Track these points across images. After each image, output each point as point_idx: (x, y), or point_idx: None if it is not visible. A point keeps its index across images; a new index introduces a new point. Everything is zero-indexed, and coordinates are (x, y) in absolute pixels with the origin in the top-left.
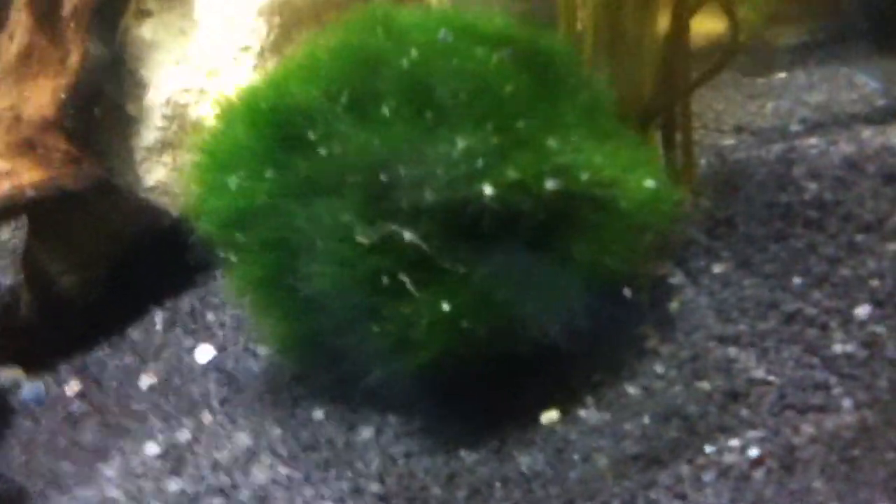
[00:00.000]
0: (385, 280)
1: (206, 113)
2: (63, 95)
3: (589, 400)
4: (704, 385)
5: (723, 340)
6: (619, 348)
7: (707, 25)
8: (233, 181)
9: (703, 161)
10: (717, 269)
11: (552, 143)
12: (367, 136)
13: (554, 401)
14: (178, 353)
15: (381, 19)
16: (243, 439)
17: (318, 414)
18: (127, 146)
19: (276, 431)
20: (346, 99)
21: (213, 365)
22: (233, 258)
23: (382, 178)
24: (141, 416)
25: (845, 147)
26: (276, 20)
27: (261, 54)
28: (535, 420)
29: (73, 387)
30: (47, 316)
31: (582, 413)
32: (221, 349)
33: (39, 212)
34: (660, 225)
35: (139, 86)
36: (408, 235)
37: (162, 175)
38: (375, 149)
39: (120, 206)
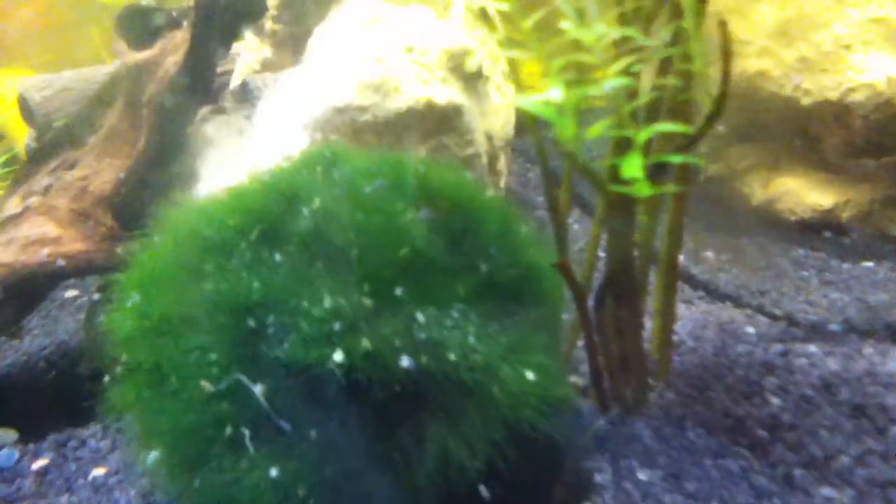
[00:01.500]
0: (227, 429)
1: None
2: (122, 175)
3: None
4: None
5: None
6: None
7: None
8: (133, 300)
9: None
10: (644, 476)
11: (421, 316)
12: (248, 277)
13: None
14: None
15: (328, 158)
16: None
17: None
18: None
19: None
20: (256, 236)
21: None
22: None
23: (250, 323)
24: None
25: (832, 364)
26: (318, 136)
27: None
28: None
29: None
30: None
31: None
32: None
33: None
34: (535, 423)
35: (192, 178)
36: (257, 389)
37: None
38: (252, 292)
39: None
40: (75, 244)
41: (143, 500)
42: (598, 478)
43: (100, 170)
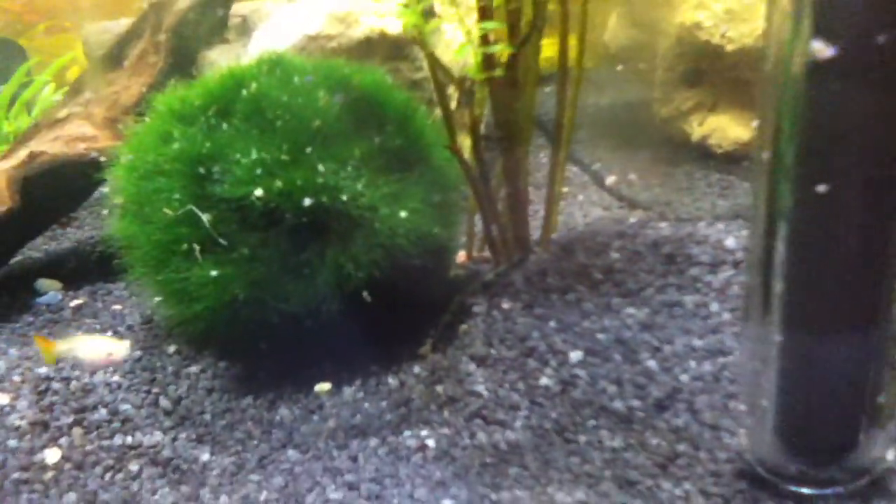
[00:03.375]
0: (184, 246)
1: None
2: (144, 90)
3: (356, 381)
4: (438, 388)
5: (472, 358)
6: (401, 348)
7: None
8: (127, 158)
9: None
10: (507, 305)
11: (322, 167)
12: (202, 139)
13: (331, 376)
14: None
15: (273, 61)
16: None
17: (171, 348)
18: None
19: (136, 353)
20: (213, 111)
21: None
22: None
23: (201, 170)
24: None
25: (667, 231)
26: (304, 56)
27: None
28: (310, 387)
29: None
30: None
31: (346, 389)
32: None
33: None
34: (406, 250)
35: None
36: (202, 217)
37: None
38: (204, 149)
39: None
40: (107, 141)
41: (141, 317)
42: (475, 308)
43: (129, 86)
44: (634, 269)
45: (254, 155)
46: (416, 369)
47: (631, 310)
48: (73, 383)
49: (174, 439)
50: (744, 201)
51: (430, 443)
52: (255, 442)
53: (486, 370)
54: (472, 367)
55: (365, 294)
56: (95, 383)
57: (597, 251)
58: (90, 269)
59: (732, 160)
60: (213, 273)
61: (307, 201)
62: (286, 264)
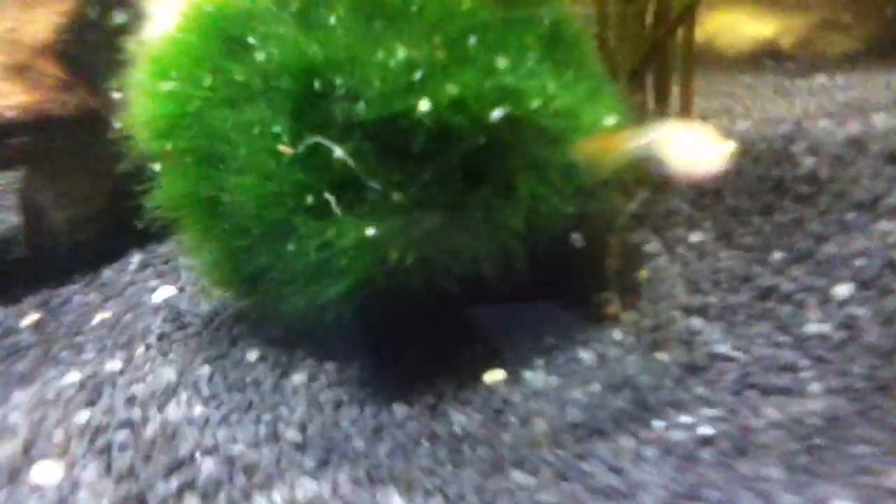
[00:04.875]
0: (309, 198)
1: None
2: (62, 20)
3: (537, 362)
4: (663, 356)
5: (689, 311)
6: (575, 309)
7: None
8: (168, 85)
9: None
10: (695, 238)
11: (502, 62)
12: (305, 41)
13: (500, 360)
14: (139, 292)
15: None
16: (168, 375)
17: (252, 355)
18: (122, 79)
19: (204, 369)
20: (297, 5)
21: (166, 303)
22: (162, 169)
23: (316, 85)
24: (79, 349)
25: (853, 127)
26: None
27: None
28: (478, 378)
29: (30, 318)
30: (38, 251)
31: (528, 374)
32: (180, 290)
33: (32, 143)
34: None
35: (141, 19)
36: (337, 150)
37: None
38: (312, 54)
39: (111, 140)
40: (20, 97)
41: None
42: (646, 248)
43: (30, 19)
44: (852, 174)
45: (400, 54)
46: (616, 335)
47: (887, 224)
48: (140, 426)
49: (335, 486)
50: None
51: (707, 430)
52: (451, 467)
53: (719, 323)
54: (695, 321)
55: (575, 237)
56: (170, 420)
57: (775, 159)
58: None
59: (749, 60)
60: (369, 232)
61: (496, 113)
62: (465, 208)
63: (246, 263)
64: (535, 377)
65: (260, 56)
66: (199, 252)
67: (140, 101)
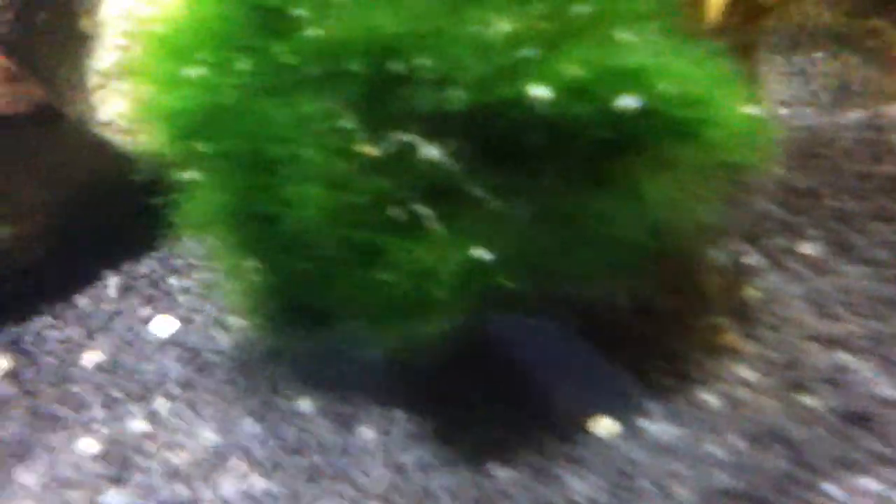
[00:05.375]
0: (395, 210)
1: None
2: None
3: (654, 407)
4: (809, 400)
5: (827, 343)
6: (688, 339)
7: None
8: (194, 72)
9: None
10: (806, 249)
11: (623, 35)
12: (372, 13)
13: (607, 405)
14: (131, 324)
15: None
16: (209, 436)
17: (304, 405)
18: (78, 69)
19: (249, 425)
20: None
21: (174, 339)
22: (194, 177)
23: (393, 68)
24: (80, 403)
25: None
26: None
27: None
28: (584, 429)
29: (1, 364)
30: None
31: (646, 424)
32: (185, 320)
33: None
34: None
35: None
36: (427, 150)
37: (120, 106)
38: (385, 29)
39: (66, 141)
40: None
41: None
42: (744, 260)
43: None
44: None
45: (501, 26)
46: (741, 371)
47: None
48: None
49: None
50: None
51: None
52: None
53: (870, 358)
54: (840, 356)
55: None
56: (227, 499)
57: (873, 153)
58: None
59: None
60: (477, 253)
61: (628, 101)
62: (583, 219)
63: (306, 292)
64: (656, 427)
65: (314, 32)
66: (234, 276)
67: (152, 91)
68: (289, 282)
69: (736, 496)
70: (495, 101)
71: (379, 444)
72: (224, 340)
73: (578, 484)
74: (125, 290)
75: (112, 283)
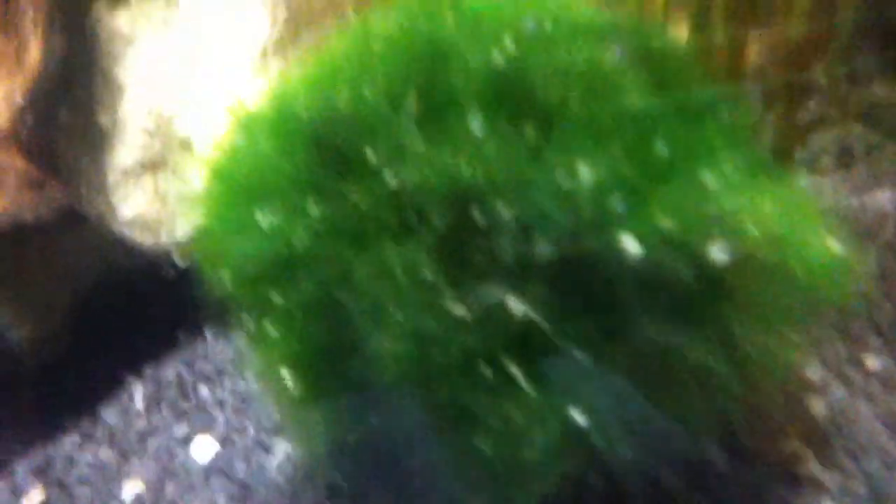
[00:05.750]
0: (484, 369)
1: (198, 128)
2: (20, 101)
3: None
4: None
5: None
6: (767, 471)
7: None
8: (265, 218)
9: None
10: (873, 363)
11: (708, 177)
12: (450, 159)
13: None
14: (168, 445)
15: (447, 1)
16: None
17: None
18: (97, 167)
19: None
20: (414, 106)
21: (216, 465)
22: (266, 328)
23: (475, 217)
24: None
25: None
26: (283, 13)
27: (263, 55)
28: None
29: (33, 497)
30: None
31: None
32: (225, 441)
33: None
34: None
35: (114, 91)
36: (516, 304)
37: (142, 204)
38: (464, 177)
39: (86, 241)
40: None
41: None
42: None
43: None
44: None
45: (585, 173)
46: None
47: None
48: None
49: None
50: None
51: None
52: None
53: None
54: None
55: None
56: None
57: None
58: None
59: None
60: (576, 416)
61: (721, 250)
62: (677, 372)
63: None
64: None
65: (389, 178)
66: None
67: (215, 233)
68: (365, 436)
69: None
70: (584, 253)
71: None
72: (273, 470)
73: None
74: (153, 401)
75: (138, 392)
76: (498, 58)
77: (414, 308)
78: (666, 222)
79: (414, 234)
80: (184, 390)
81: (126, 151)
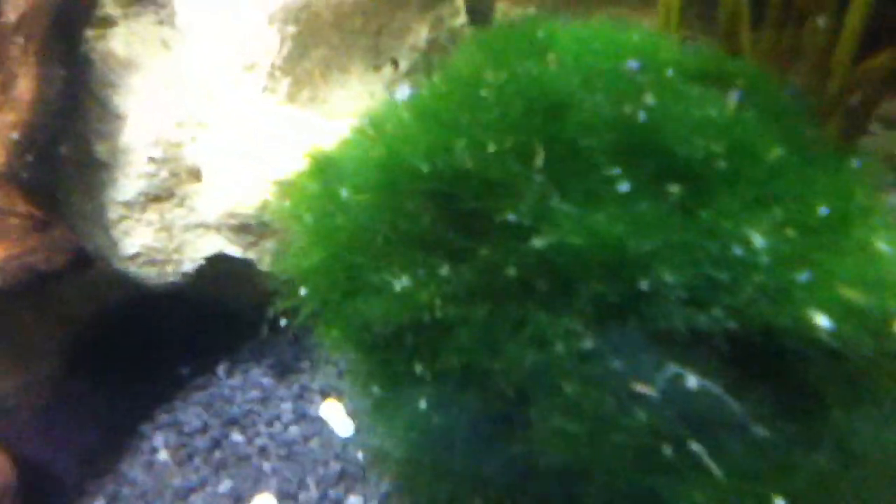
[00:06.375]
0: (667, 449)
1: (208, 155)
2: (16, 136)
3: None
4: None
5: None
6: None
7: None
8: (395, 279)
9: None
10: None
11: (880, 243)
12: (607, 220)
13: None
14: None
15: (542, 42)
16: None
17: None
18: (96, 200)
19: None
20: (542, 161)
21: None
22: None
23: (640, 286)
24: None
25: None
26: (291, 30)
27: (271, 74)
28: None
29: None
30: None
31: None
32: (286, 497)
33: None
34: None
35: (111, 119)
36: (693, 379)
37: (148, 238)
38: (626, 242)
39: (87, 281)
40: None
41: None
42: None
43: None
44: None
45: (758, 242)
46: None
47: None
48: None
49: None
50: None
51: None
52: None
53: None
54: None
55: None
56: None
57: None
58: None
59: None
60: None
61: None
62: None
63: None
64: None
65: (539, 242)
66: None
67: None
68: None
69: None
70: (764, 326)
71: None
72: None
73: None
74: (180, 452)
75: (159, 442)
76: (630, 109)
77: (583, 382)
78: (851, 293)
79: (570, 301)
80: (213, 438)
81: (128, 183)
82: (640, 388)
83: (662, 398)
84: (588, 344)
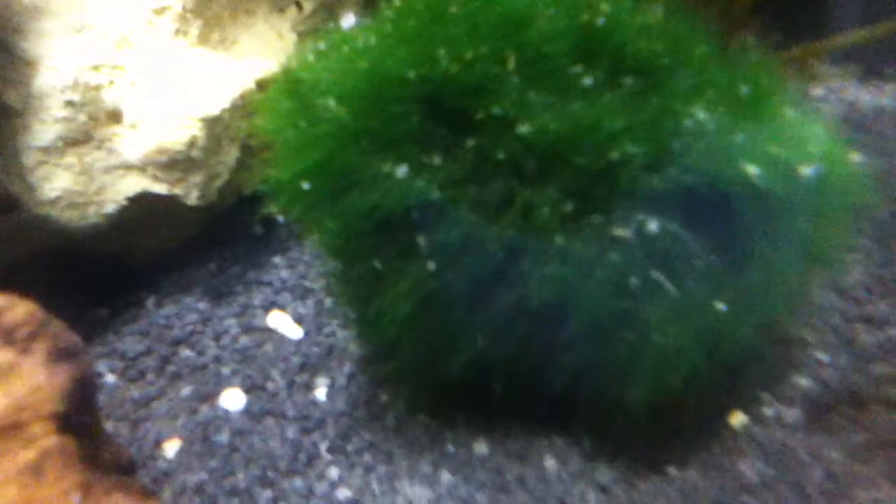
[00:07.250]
0: (632, 280)
1: (126, 97)
2: None
3: None
4: None
5: None
6: None
7: None
8: (399, 169)
9: None
10: None
11: (786, 112)
12: (581, 108)
13: None
14: (180, 405)
15: None
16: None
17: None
18: (10, 148)
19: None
20: (514, 64)
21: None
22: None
23: (613, 157)
24: None
25: None
26: None
27: (183, 17)
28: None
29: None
30: None
31: None
32: (254, 390)
33: None
34: None
35: (21, 65)
36: (655, 225)
37: (67, 181)
38: (604, 123)
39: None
40: None
41: None
42: None
43: None
44: None
45: (702, 115)
46: None
47: None
48: None
49: None
50: None
51: None
52: None
53: None
54: None
55: None
56: None
57: None
58: None
59: None
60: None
61: (809, 170)
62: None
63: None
64: None
65: (525, 129)
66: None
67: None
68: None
69: None
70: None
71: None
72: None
73: None
74: (129, 372)
75: (103, 368)
76: (587, 17)
77: (568, 236)
78: (773, 149)
79: (552, 176)
80: (161, 356)
81: (44, 129)
82: (618, 231)
83: (631, 241)
84: (569, 207)
